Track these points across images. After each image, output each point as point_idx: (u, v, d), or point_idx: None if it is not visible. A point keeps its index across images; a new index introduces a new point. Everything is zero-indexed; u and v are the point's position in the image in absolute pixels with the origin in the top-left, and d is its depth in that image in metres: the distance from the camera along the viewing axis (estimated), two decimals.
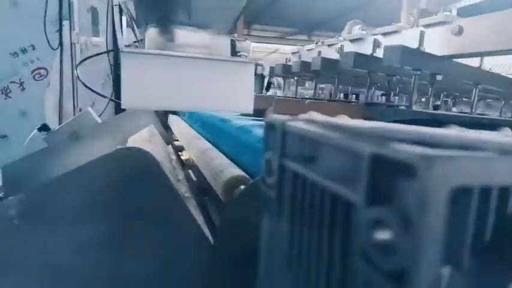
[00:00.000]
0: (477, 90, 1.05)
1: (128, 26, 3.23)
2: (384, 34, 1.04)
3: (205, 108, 0.54)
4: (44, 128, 1.53)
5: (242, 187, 0.41)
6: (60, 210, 0.40)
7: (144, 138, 1.28)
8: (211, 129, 1.04)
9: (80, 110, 2.28)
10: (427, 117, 0.88)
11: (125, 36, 3.08)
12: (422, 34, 0.86)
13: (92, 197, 0.41)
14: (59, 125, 2.01)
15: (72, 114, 2.27)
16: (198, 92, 0.51)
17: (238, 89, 0.53)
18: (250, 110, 0.55)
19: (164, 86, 0.49)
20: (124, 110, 3.08)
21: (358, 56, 0.91)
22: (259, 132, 0.76)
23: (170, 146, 1.12)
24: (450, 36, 0.84)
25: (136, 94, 0.48)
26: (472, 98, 1.05)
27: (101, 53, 1.99)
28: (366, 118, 0.81)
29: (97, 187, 0.41)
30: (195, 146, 0.82)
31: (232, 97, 0.53)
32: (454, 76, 0.93)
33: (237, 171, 0.60)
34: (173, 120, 1.54)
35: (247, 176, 0.60)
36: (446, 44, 0.85)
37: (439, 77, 0.92)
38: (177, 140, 1.32)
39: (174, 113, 1.86)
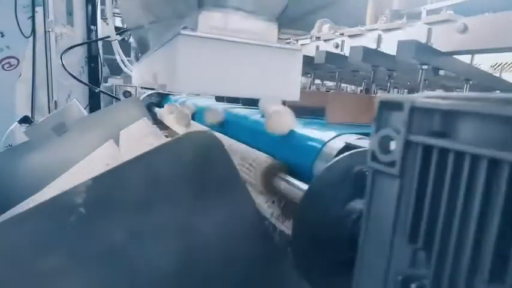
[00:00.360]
0: (468, 86, 1.12)
1: (102, 17, 3.11)
2: (386, 30, 1.08)
3: (255, 95, 0.53)
4: (25, 120, 1.43)
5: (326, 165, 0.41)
6: (129, 196, 0.39)
7: (140, 131, 1.23)
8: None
9: (55, 102, 2.16)
10: None
11: (100, 28, 2.95)
12: (430, 31, 0.90)
13: (161, 181, 0.39)
14: (32, 118, 1.90)
15: (47, 107, 2.15)
16: (248, 78, 0.50)
17: (286, 76, 0.53)
18: (297, 97, 0.55)
19: (217, 71, 0.48)
20: (99, 104, 2.96)
21: (366, 50, 0.94)
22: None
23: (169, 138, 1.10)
24: (455, 33, 0.89)
25: (190, 78, 0.46)
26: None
27: (94, 40, 1.88)
28: None
29: (166, 171, 0.39)
30: None
31: (281, 84, 0.53)
32: (454, 72, 0.98)
33: (271, 159, 0.60)
34: (165, 114, 1.49)
35: (283, 163, 0.60)
36: (450, 41, 0.90)
37: (441, 72, 0.98)
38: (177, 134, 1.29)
39: (160, 106, 1.81)
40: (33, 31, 2.11)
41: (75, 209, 0.36)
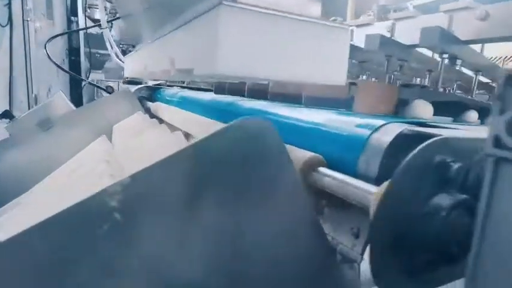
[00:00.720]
0: (477, 78, 1.10)
1: (87, 5, 2.94)
2: (398, 20, 1.04)
3: (298, 79, 0.47)
4: (5, 115, 1.31)
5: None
6: (175, 195, 0.32)
7: (137, 125, 1.15)
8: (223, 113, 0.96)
9: (36, 97, 2.02)
10: (456, 99, 0.89)
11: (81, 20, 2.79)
12: (451, 19, 0.87)
13: (212, 176, 0.33)
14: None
15: (26, 101, 2.01)
16: (295, 60, 0.44)
17: (334, 57, 0.47)
18: (343, 82, 0.50)
19: (264, 51, 0.41)
20: (81, 99, 2.81)
21: (383, 38, 0.90)
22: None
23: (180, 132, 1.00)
24: (474, 21, 0.86)
25: (235, 59, 0.40)
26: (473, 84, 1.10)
27: (82, 29, 1.76)
28: (402, 99, 0.80)
29: (215, 163, 0.33)
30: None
31: (326, 66, 0.47)
32: (470, 62, 0.96)
33: (306, 152, 0.55)
34: (160, 107, 1.40)
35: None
36: (470, 29, 0.87)
37: (458, 61, 0.95)
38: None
39: (151, 99, 1.72)
40: (10, 20, 1.96)
41: (109, 215, 0.29)
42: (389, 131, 0.51)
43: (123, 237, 0.30)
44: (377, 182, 0.49)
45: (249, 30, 0.40)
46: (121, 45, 4.40)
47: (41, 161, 1.20)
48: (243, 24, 0.39)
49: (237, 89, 1.22)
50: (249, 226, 0.35)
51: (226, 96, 1.21)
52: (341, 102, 0.88)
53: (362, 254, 0.47)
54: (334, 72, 0.48)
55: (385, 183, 0.40)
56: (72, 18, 2.84)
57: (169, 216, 0.32)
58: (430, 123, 0.56)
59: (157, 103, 1.48)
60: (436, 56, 1.00)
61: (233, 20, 0.39)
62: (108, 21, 1.30)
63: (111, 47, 1.38)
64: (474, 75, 1.09)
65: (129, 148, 0.97)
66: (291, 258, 0.38)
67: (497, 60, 1.48)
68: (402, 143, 0.44)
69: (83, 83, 1.83)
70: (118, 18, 1.52)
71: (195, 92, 1.59)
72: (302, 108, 0.77)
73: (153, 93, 1.77)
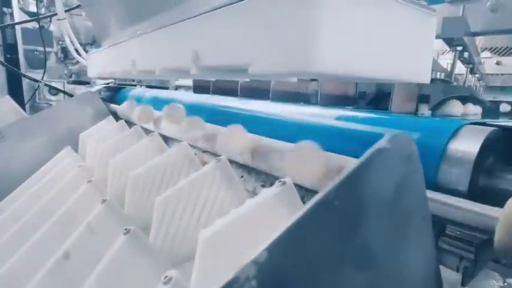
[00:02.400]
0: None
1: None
2: None
3: (385, 76, 0.37)
4: None
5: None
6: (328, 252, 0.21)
7: (108, 133, 0.98)
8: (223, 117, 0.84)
9: None
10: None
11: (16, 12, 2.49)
12: (464, 9, 0.83)
13: (368, 212, 0.22)
14: None
15: None
16: (385, 52, 0.34)
17: (418, 48, 0.38)
18: (428, 80, 0.41)
19: (363, 41, 0.31)
20: (23, 102, 2.46)
21: None
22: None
23: (158, 137, 0.84)
24: (486, 12, 0.83)
25: (336, 53, 0.29)
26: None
27: (36, 19, 1.49)
28: (423, 94, 0.74)
29: (373, 198, 0.22)
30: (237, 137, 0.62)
31: (410, 59, 0.38)
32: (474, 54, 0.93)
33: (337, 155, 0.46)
34: (131, 110, 1.22)
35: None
36: (481, 20, 0.84)
37: (465, 54, 0.92)
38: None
39: (114, 101, 1.52)
40: None
41: None
42: (470, 136, 0.43)
43: None
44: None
45: (346, 13, 0.29)
46: (60, 42, 3.99)
47: None
48: (340, 5, 0.29)
49: (213, 86, 1.10)
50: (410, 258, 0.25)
51: (205, 95, 1.08)
52: (306, 96, 0.85)
53: None
54: (419, 65, 0.39)
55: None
56: (5, 9, 2.49)
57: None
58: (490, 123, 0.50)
59: (125, 104, 1.30)
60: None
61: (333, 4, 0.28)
62: (66, 11, 1.09)
63: (72, 43, 1.17)
64: (467, 69, 1.08)
65: (105, 160, 0.81)
66: None
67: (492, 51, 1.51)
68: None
69: (38, 84, 1.57)
70: (77, 7, 1.30)
71: (169, 91, 1.43)
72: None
73: (115, 94, 1.57)
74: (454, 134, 0.43)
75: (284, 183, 0.37)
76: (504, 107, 1.62)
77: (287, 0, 0.29)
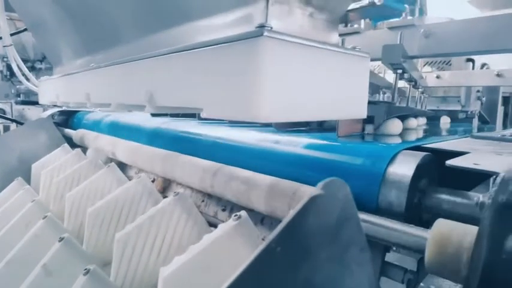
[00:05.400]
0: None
1: None
2: (346, 34, 1.06)
3: (326, 116, 0.41)
4: None
5: None
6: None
7: (64, 163, 0.95)
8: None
9: None
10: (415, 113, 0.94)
11: None
12: (402, 35, 0.91)
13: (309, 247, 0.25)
14: None
15: None
16: (320, 93, 0.38)
17: (354, 88, 0.43)
18: (364, 115, 0.45)
19: (303, 88, 0.35)
20: None
21: None
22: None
23: (117, 169, 0.82)
24: (421, 38, 0.91)
25: (281, 100, 0.32)
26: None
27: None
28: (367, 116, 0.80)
29: (308, 233, 0.25)
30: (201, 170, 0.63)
31: (347, 98, 0.42)
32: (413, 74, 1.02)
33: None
34: (88, 136, 1.19)
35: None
36: (416, 45, 0.92)
37: (406, 75, 1.00)
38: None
39: (68, 125, 1.47)
40: None
41: None
42: (406, 161, 0.48)
43: None
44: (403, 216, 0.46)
45: (293, 66, 0.33)
46: (5, 59, 3.73)
47: None
48: (288, 59, 0.32)
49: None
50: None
51: (163, 119, 1.08)
52: None
53: None
54: (356, 103, 0.43)
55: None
56: None
57: None
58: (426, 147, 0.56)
59: (82, 130, 1.27)
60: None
61: (278, 55, 0.31)
62: (11, 35, 1.04)
63: (20, 70, 1.11)
64: (409, 86, 1.17)
65: (61, 193, 0.79)
66: None
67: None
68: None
69: None
70: (24, 30, 1.25)
71: (126, 115, 1.41)
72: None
73: (70, 118, 1.52)
74: (391, 159, 0.48)
75: (240, 217, 0.40)
76: (444, 119, 1.79)
77: (236, 56, 0.32)
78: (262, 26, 0.31)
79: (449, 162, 0.41)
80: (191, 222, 0.49)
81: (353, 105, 0.42)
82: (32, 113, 3.58)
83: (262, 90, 0.30)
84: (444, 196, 0.46)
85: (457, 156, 0.50)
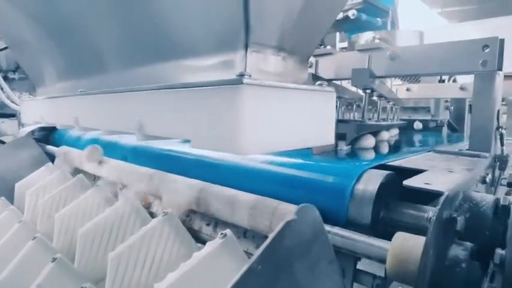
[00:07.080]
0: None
1: None
2: (319, 56, 1.13)
3: (299, 145, 0.47)
4: None
5: None
6: None
7: (49, 183, 0.97)
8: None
9: None
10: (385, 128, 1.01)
11: None
12: (370, 58, 0.98)
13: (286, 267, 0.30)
14: None
15: None
16: (293, 127, 0.44)
17: (322, 119, 0.49)
18: (332, 141, 0.51)
19: (277, 124, 0.40)
20: None
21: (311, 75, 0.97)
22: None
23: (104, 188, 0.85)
24: (387, 60, 0.99)
25: (259, 136, 0.37)
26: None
27: None
28: (340, 133, 0.87)
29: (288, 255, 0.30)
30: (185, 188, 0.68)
31: (317, 129, 0.48)
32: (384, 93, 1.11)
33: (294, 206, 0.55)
34: (71, 154, 1.20)
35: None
36: (383, 66, 1.00)
37: (375, 94, 1.08)
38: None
39: (49, 142, 1.48)
40: None
41: None
42: (371, 179, 0.54)
43: None
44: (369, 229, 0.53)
45: (268, 106, 0.39)
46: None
47: None
48: (264, 101, 0.38)
49: None
50: None
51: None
52: None
53: None
54: (324, 132, 0.49)
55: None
56: None
57: None
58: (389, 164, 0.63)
59: (65, 147, 1.28)
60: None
61: (255, 99, 0.37)
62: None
63: (2, 90, 1.12)
64: (379, 101, 1.26)
65: (48, 214, 0.81)
66: None
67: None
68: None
69: None
70: (4, 49, 1.26)
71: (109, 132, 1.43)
72: None
73: (52, 134, 1.52)
74: (358, 178, 0.55)
75: (225, 235, 0.45)
76: (417, 125, 1.91)
77: (221, 98, 0.37)
78: (242, 75, 0.36)
79: (406, 182, 0.48)
80: (179, 239, 0.53)
81: (322, 134, 0.48)
82: (6, 126, 3.49)
83: (243, 128, 0.36)
84: (404, 210, 0.53)
85: (417, 173, 0.56)
